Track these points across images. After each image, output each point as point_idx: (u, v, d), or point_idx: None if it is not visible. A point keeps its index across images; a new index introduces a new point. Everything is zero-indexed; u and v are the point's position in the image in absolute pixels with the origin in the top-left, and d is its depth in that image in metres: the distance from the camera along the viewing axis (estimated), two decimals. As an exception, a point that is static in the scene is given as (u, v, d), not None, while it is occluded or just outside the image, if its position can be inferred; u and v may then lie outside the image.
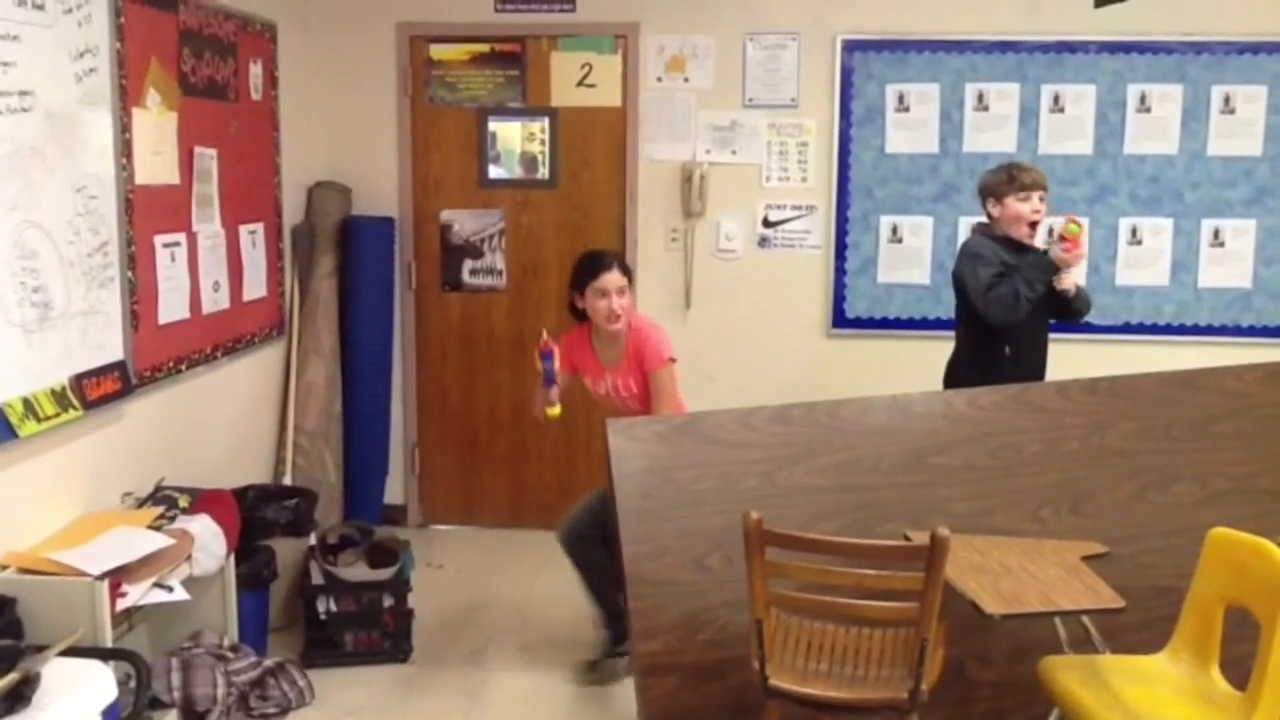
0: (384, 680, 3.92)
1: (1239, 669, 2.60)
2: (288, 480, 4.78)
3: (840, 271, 5.16)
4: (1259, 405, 3.47)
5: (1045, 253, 3.77)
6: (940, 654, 2.74)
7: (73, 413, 3.26)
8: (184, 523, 3.42)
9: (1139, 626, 3.05)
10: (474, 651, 4.14)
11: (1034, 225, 3.87)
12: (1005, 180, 3.84)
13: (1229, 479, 3.39)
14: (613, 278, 3.67)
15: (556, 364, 3.63)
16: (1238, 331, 5.03)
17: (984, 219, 4.00)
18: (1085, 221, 3.80)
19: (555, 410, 3.69)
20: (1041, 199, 3.85)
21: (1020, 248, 3.88)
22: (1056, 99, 4.98)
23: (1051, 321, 3.99)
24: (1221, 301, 5.04)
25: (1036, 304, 3.76)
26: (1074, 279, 3.82)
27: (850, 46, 5.03)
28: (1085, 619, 2.97)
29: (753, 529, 2.60)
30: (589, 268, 3.71)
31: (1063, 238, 3.71)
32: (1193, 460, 3.39)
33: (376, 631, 4.04)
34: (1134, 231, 5.03)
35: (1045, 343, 3.96)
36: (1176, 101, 4.93)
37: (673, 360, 3.74)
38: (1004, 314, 3.73)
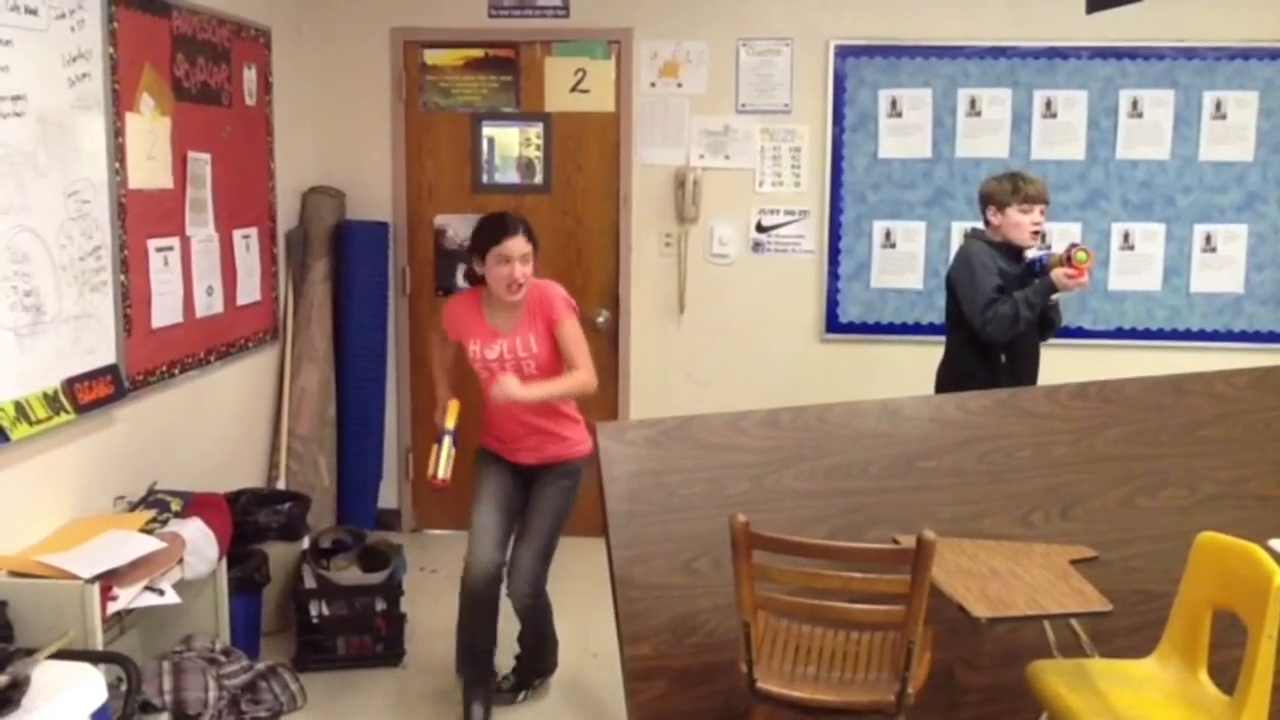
0: (376, 685, 3.92)
1: (1227, 673, 2.61)
2: (281, 484, 4.79)
3: (833, 276, 5.17)
4: (1248, 410, 3.48)
5: (1046, 273, 3.77)
6: (927, 657, 2.75)
7: (65, 416, 3.27)
8: (176, 526, 3.42)
9: (1128, 631, 3.06)
10: (466, 656, 4.14)
11: (1034, 234, 3.88)
12: (1010, 190, 3.85)
13: (1218, 484, 3.40)
14: (517, 244, 3.39)
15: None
16: (1229, 337, 5.05)
17: (979, 224, 4.01)
18: (1094, 251, 3.80)
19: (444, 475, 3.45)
20: (1042, 212, 3.86)
21: (1017, 255, 3.89)
22: (1049, 104, 4.99)
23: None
24: (1213, 306, 5.05)
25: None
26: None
27: (843, 52, 5.04)
28: (1074, 623, 2.98)
29: (740, 532, 2.61)
30: (492, 231, 3.41)
31: (1069, 260, 3.71)
32: (1182, 465, 3.40)
33: (369, 636, 4.04)
34: (1126, 237, 5.04)
35: (1037, 355, 3.98)
36: (1168, 107, 4.95)
37: (575, 311, 3.52)
38: (1000, 332, 3.76)
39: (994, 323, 3.75)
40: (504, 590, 3.54)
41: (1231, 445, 3.43)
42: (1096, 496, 3.35)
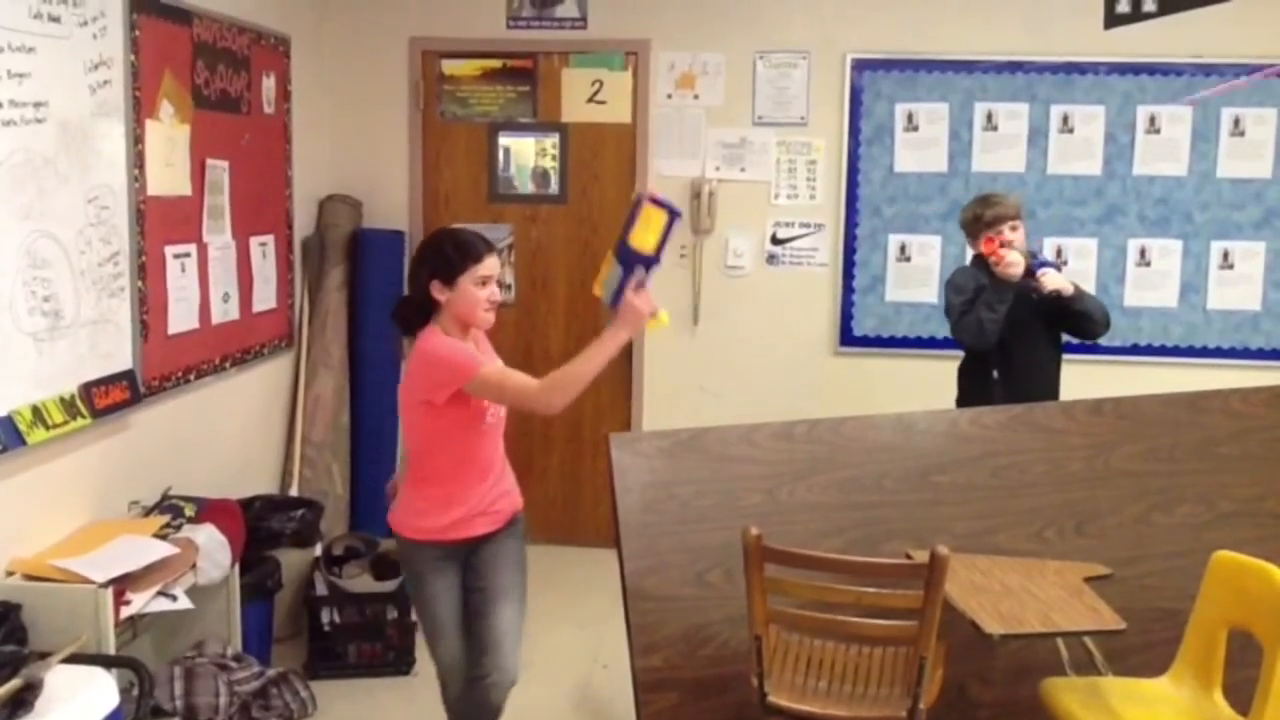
0: (386, 692, 3.92)
1: (1242, 693, 2.59)
2: (294, 491, 4.80)
3: (848, 289, 5.16)
4: (1265, 428, 3.45)
5: (1033, 275, 3.74)
6: (939, 673, 2.74)
7: (81, 421, 3.28)
8: (189, 532, 3.43)
9: (1142, 649, 3.04)
10: (477, 665, 4.13)
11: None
12: (973, 219, 3.86)
13: (1234, 501, 3.38)
14: (495, 262, 2.97)
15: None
16: (1246, 354, 5.02)
17: None
18: (995, 234, 3.76)
19: (665, 316, 2.85)
20: (1013, 228, 3.79)
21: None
22: (1066, 119, 4.98)
23: (1072, 341, 3.97)
24: (1230, 324, 5.02)
25: (1034, 323, 3.78)
26: (1060, 282, 3.74)
27: (860, 65, 5.04)
28: (1088, 640, 2.97)
29: (752, 545, 2.61)
30: (467, 250, 2.93)
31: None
32: (1198, 482, 3.38)
33: (380, 644, 4.05)
34: (1143, 253, 5.03)
35: (1047, 367, 3.91)
36: (1186, 123, 4.93)
37: None
38: (972, 339, 3.78)
39: (964, 331, 3.80)
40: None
41: (1248, 463, 3.41)
42: (1111, 513, 3.33)
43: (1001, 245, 3.70)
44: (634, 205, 2.82)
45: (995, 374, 3.81)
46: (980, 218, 3.81)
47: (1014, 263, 3.66)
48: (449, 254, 2.93)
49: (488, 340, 3.13)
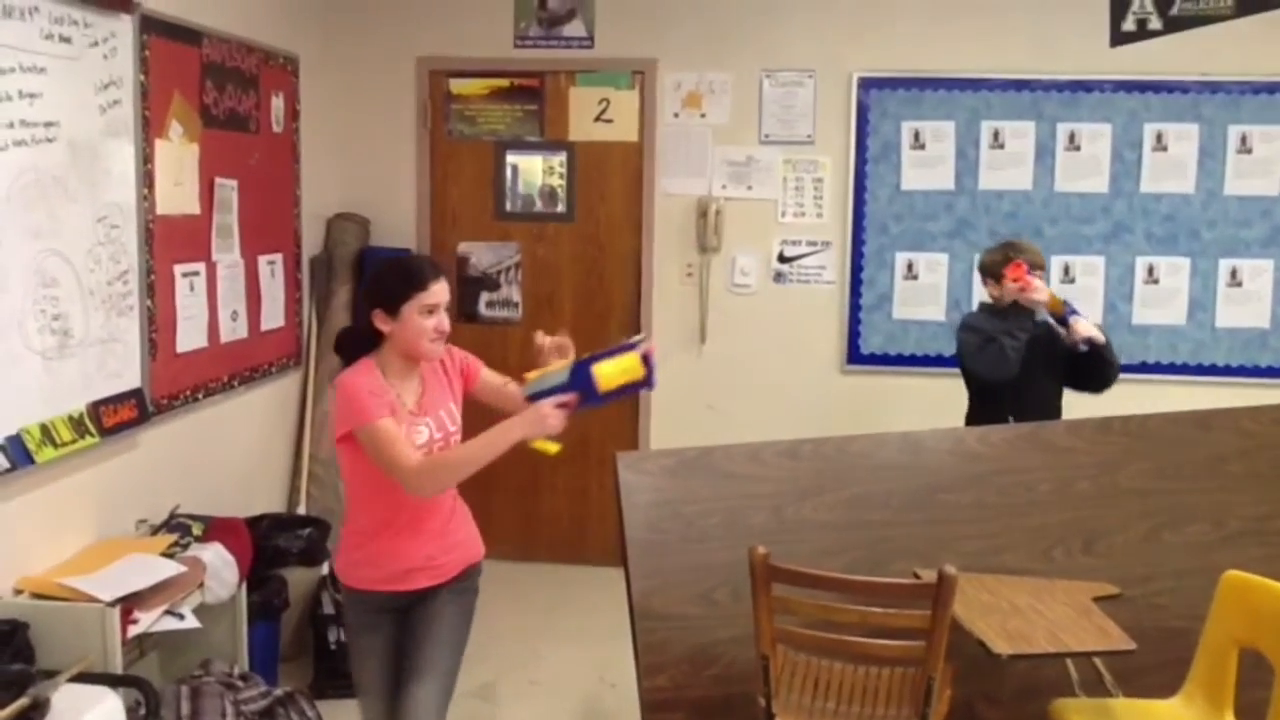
0: (392, 711, 3.90)
1: (1255, 714, 2.57)
2: (301, 509, 4.80)
3: (855, 307, 5.16)
4: (1274, 446, 3.44)
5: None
6: (947, 693, 2.73)
7: (89, 439, 3.29)
8: (196, 550, 3.43)
9: (1152, 669, 3.02)
10: (484, 685, 4.12)
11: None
12: (1001, 261, 3.85)
13: (1243, 520, 3.36)
14: (443, 288, 2.81)
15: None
16: (1255, 372, 5.00)
17: None
18: (1023, 262, 3.79)
19: (557, 446, 2.72)
20: (1039, 277, 3.80)
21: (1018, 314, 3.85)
22: (1072, 137, 4.99)
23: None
24: (1239, 341, 5.01)
25: (1042, 369, 3.77)
26: (1092, 330, 3.76)
27: (866, 84, 5.06)
28: (1097, 660, 2.95)
29: (759, 564, 2.60)
30: (411, 277, 2.76)
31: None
32: (1206, 501, 3.37)
33: (386, 662, 4.02)
34: (1150, 270, 5.02)
35: (1050, 407, 3.89)
36: (1193, 141, 4.93)
37: None
38: (991, 367, 3.73)
39: (983, 360, 3.76)
40: None
41: (1257, 481, 3.40)
42: (1119, 531, 3.32)
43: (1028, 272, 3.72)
44: (627, 344, 2.74)
45: (1010, 419, 3.78)
46: (1010, 261, 3.81)
47: (1040, 288, 3.71)
48: (391, 282, 2.78)
49: (462, 353, 2.98)
